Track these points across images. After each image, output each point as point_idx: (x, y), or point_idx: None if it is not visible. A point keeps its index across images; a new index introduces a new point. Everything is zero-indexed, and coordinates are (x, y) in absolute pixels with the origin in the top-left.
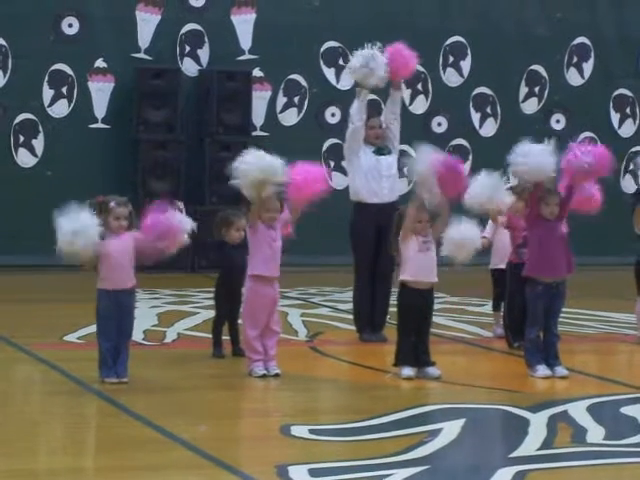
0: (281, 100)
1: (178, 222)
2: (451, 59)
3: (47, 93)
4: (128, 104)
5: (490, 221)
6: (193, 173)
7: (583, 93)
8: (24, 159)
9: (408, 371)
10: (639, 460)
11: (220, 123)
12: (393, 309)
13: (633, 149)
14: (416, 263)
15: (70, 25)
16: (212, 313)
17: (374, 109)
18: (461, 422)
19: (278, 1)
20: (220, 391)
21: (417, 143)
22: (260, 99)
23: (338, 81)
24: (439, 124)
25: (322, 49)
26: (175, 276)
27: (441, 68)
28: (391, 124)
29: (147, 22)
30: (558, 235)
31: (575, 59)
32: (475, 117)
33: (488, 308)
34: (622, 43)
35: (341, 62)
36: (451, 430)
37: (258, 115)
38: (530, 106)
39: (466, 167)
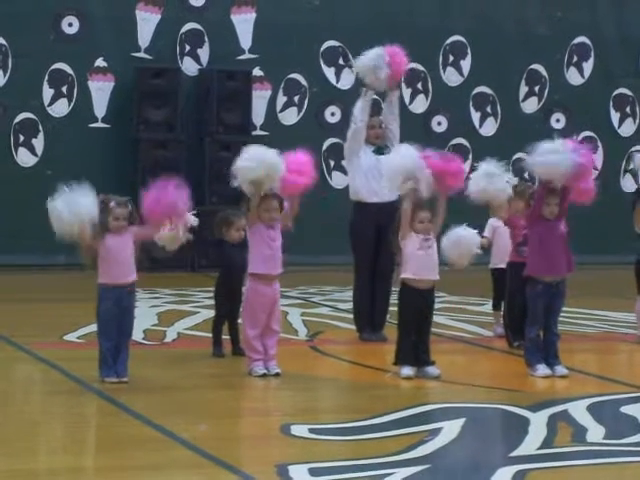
0: (281, 99)
1: (178, 197)
2: (451, 58)
3: (47, 92)
4: (128, 103)
5: (489, 222)
6: (193, 172)
7: (583, 92)
8: (24, 158)
9: (408, 370)
10: (639, 459)
11: (220, 122)
12: (393, 308)
13: (633, 148)
14: (417, 261)
15: (70, 24)
16: (212, 312)
17: (374, 109)
18: (461, 421)
19: (278, 0)
20: (220, 390)
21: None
22: (260, 98)
23: (338, 80)
24: (439, 123)
25: (322, 48)
26: (175, 275)
27: (441, 67)
28: (390, 124)
29: (147, 21)
30: (558, 234)
31: (575, 58)
32: (475, 116)
33: (488, 307)
34: (622, 42)
35: (341, 61)
36: (451, 429)
37: (258, 114)
38: (530, 105)
39: (466, 166)
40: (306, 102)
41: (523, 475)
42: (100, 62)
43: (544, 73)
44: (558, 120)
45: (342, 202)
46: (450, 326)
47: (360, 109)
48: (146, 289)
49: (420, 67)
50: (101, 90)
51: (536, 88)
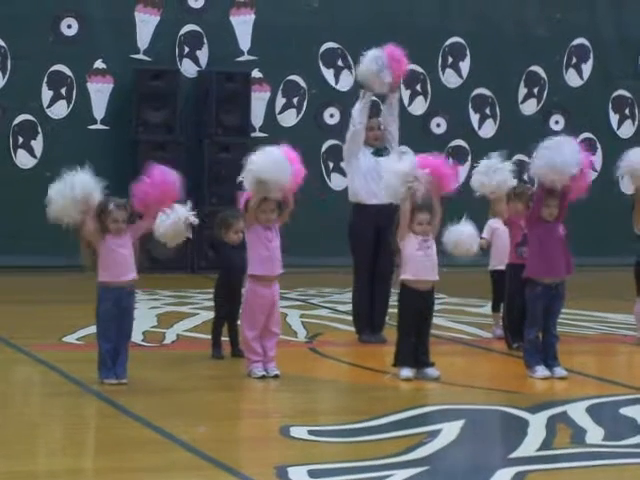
0: (280, 101)
1: (171, 179)
2: (450, 60)
3: (46, 94)
4: (127, 105)
5: (488, 223)
6: (192, 174)
7: (582, 94)
8: (23, 160)
9: (407, 372)
10: (638, 461)
11: (219, 124)
12: (392, 310)
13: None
14: (416, 262)
15: (69, 26)
16: (211, 314)
17: (373, 110)
18: (460, 423)
19: (277, 2)
20: (219, 392)
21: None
22: (259, 100)
23: (337, 82)
24: (438, 125)
25: (321, 50)
26: (174, 277)
27: (440, 69)
28: (390, 126)
29: (146, 23)
30: (557, 236)
31: (574, 60)
32: (474, 118)
33: (487, 309)
34: (621, 44)
35: (340, 63)
36: (450, 431)
37: (257, 116)
38: (529, 107)
39: (465, 168)
40: (305, 104)
41: (522, 477)
42: (99, 64)
43: (543, 75)
44: (557, 122)
45: (341, 204)
46: (449, 328)
47: (358, 111)
48: (145, 290)
49: (419, 69)
50: (100, 92)
51: (535, 90)
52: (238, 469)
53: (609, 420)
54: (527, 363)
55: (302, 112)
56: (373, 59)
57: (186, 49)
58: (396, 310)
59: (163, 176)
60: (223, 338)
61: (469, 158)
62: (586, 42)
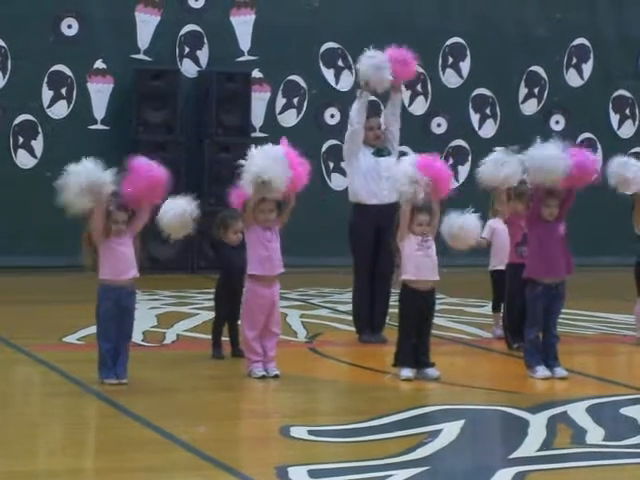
0: (280, 101)
1: (159, 170)
2: (450, 60)
3: (46, 94)
4: (127, 105)
5: (488, 223)
6: (192, 174)
7: (582, 94)
8: (23, 160)
9: (407, 372)
10: (639, 461)
11: (219, 124)
12: (393, 310)
13: (632, 150)
14: (416, 262)
15: (69, 26)
16: (211, 314)
17: (373, 110)
18: (461, 423)
19: (277, 2)
20: (219, 392)
21: (416, 144)
22: (259, 100)
23: (337, 82)
24: (438, 125)
25: (321, 50)
26: (175, 277)
27: (440, 69)
28: (391, 126)
29: (146, 23)
30: (557, 236)
31: (574, 60)
32: (474, 118)
33: (487, 309)
34: (621, 44)
35: (340, 63)
36: (451, 431)
37: (257, 116)
38: (529, 107)
39: (465, 168)
40: (305, 104)
41: (522, 477)
42: (99, 64)
43: (543, 75)
44: (557, 122)
45: (341, 204)
46: (449, 328)
47: (356, 111)
48: (145, 291)
49: (419, 69)
50: (100, 92)
51: (535, 90)
52: (238, 469)
53: (609, 420)
54: (527, 363)
55: (302, 112)
56: (373, 57)
57: (186, 49)
58: (396, 310)
59: (146, 167)
60: (223, 338)
61: (469, 158)
62: (586, 42)
